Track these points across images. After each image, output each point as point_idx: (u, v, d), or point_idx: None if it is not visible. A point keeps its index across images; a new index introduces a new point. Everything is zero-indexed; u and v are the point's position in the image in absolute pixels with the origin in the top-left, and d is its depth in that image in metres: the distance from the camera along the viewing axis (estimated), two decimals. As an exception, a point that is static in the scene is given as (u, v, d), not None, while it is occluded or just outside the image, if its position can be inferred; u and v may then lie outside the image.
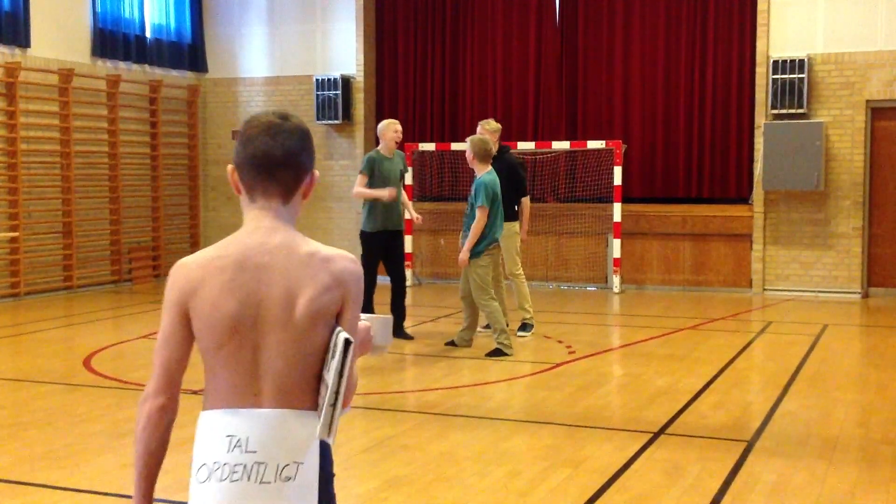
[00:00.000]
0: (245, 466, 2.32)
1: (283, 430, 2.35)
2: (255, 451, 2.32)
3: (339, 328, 2.39)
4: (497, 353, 8.81)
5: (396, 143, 9.63)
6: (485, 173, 8.87)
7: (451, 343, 9.25)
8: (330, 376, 2.31)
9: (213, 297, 2.37)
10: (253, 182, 2.45)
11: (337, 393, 2.30)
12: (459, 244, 9.07)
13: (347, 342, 2.32)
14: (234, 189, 2.50)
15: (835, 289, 13.22)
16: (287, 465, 2.33)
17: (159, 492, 5.01)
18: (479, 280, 8.84)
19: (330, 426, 2.32)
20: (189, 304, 2.39)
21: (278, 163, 2.42)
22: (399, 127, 9.66)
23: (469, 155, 8.94)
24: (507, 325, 9.06)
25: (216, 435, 2.36)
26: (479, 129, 9.78)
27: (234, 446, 2.33)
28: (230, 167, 2.49)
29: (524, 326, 9.87)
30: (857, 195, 13.08)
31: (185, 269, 2.43)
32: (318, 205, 15.13)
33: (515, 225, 9.78)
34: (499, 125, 9.97)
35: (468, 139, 9.09)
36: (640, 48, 14.28)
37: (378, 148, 9.68)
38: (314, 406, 2.39)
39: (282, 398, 2.37)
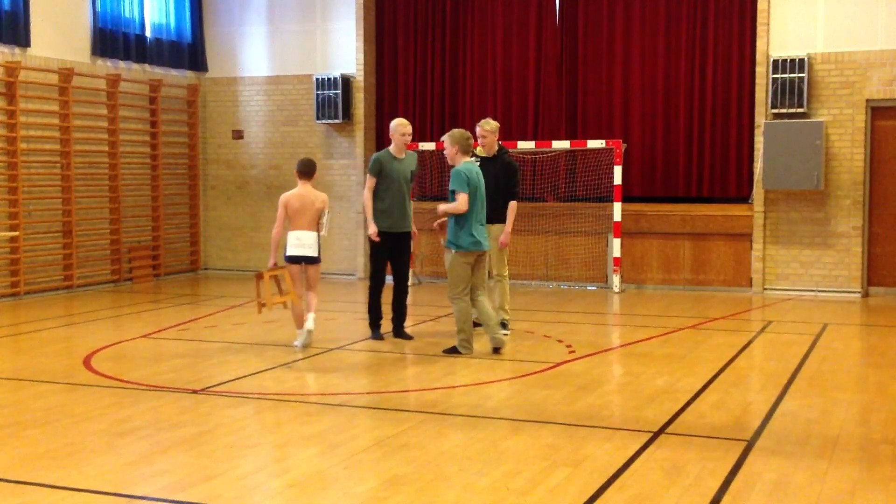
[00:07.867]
0: (300, 245, 9.15)
1: (309, 235, 9.17)
2: (303, 240, 9.14)
3: (325, 211, 9.21)
4: (454, 350, 8.86)
5: (406, 144, 9.59)
6: (462, 163, 8.79)
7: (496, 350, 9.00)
8: (324, 222, 9.21)
9: (293, 201, 9.15)
10: (300, 175, 9.26)
11: (325, 226, 9.27)
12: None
13: (325, 213, 9.26)
14: (295, 177, 9.32)
15: (835, 288, 13.22)
16: (310, 242, 9.16)
17: (160, 492, 5.11)
18: (453, 276, 8.85)
19: (324, 233, 9.28)
20: (286, 204, 9.14)
21: (308, 170, 9.32)
22: (407, 129, 9.54)
23: (452, 150, 8.81)
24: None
25: (293, 236, 9.15)
26: (478, 129, 9.72)
27: (297, 238, 9.15)
28: (295, 171, 9.36)
29: (502, 325, 9.82)
30: (857, 194, 13.08)
31: (286, 194, 9.22)
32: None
33: (503, 227, 9.70)
34: (497, 123, 9.88)
35: (446, 134, 8.96)
36: (640, 48, 14.28)
37: (389, 147, 9.65)
38: (316, 229, 9.20)
39: (308, 227, 9.17)
